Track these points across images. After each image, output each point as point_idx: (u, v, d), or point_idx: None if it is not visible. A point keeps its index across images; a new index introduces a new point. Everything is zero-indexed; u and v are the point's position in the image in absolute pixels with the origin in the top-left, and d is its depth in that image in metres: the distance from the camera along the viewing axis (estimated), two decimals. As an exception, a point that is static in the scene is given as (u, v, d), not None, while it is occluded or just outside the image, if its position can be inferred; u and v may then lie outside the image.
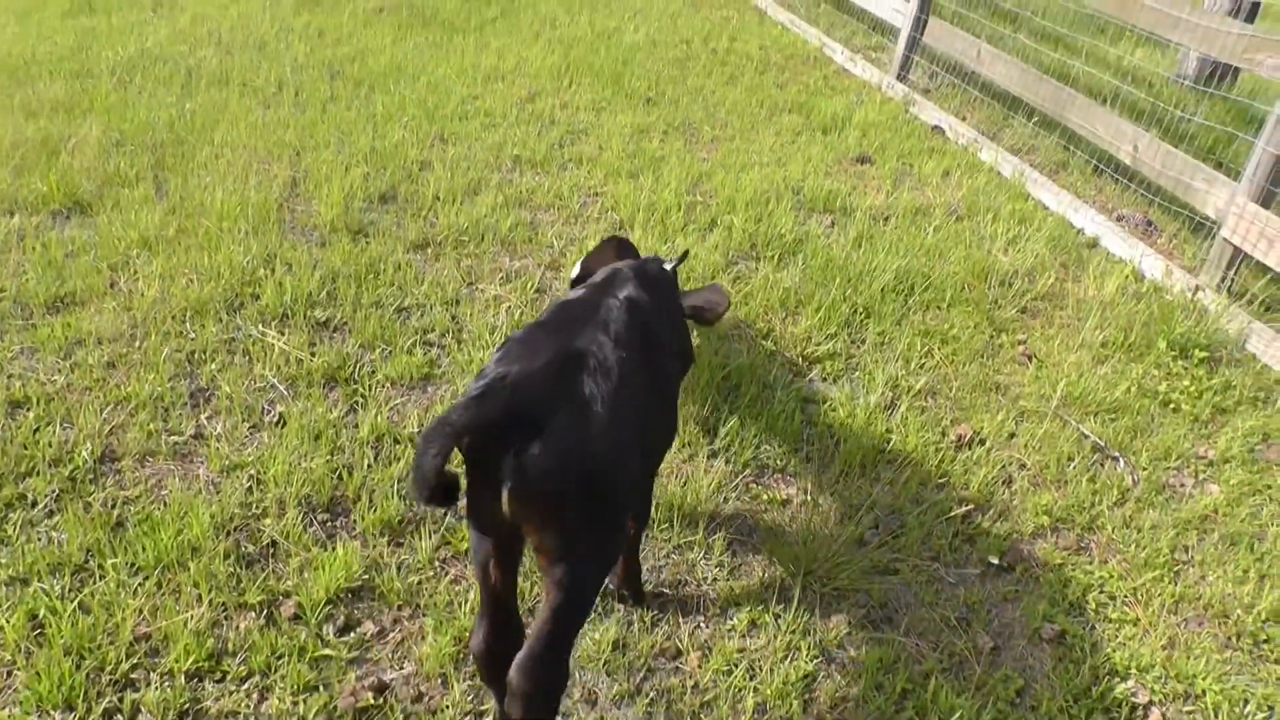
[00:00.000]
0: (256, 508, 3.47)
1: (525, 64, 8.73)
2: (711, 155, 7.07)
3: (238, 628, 3.04)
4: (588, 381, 2.31)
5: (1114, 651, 3.34)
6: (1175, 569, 3.74)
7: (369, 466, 3.70)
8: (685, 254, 3.90)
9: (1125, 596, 3.59)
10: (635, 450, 2.47)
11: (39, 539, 3.26)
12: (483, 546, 2.37)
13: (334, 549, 3.32)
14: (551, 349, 2.37)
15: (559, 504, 2.22)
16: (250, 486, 3.56)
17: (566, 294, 2.98)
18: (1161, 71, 9.93)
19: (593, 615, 3.20)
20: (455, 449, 2.11)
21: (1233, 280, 5.72)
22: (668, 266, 3.43)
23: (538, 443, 2.16)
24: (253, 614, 3.09)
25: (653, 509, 3.57)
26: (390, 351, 4.40)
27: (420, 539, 3.39)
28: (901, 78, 9.22)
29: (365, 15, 10.05)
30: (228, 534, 3.35)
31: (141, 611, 3.04)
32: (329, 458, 3.70)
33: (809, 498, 3.82)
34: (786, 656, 3.16)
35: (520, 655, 2.31)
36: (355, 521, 3.47)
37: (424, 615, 3.16)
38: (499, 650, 2.43)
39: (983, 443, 4.28)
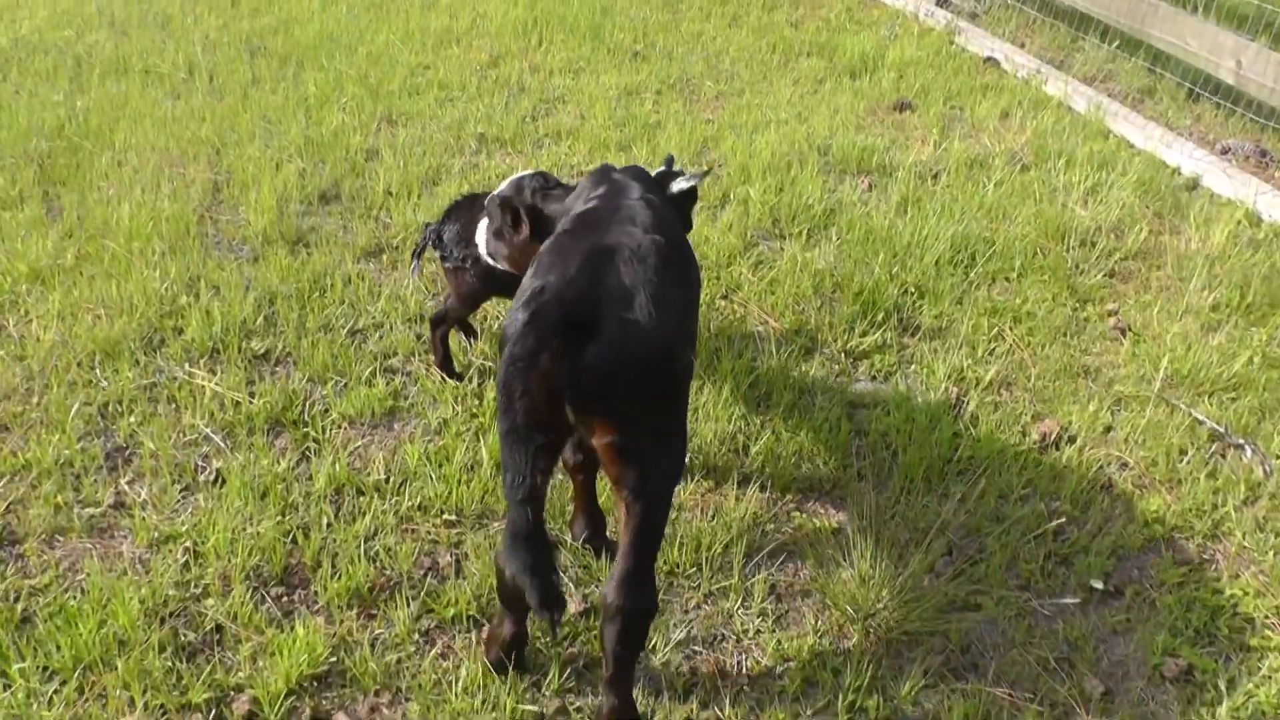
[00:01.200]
0: (195, 586, 3.48)
1: (484, 21, 8.77)
2: (717, 115, 7.08)
3: (183, 734, 3.05)
4: (625, 271, 2.73)
5: (1256, 688, 3.33)
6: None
7: (328, 525, 3.71)
8: (708, 171, 4.32)
9: (1266, 618, 3.57)
10: (681, 336, 2.91)
11: (-65, 644, 3.28)
12: (528, 463, 2.70)
13: (293, 628, 3.33)
14: (583, 250, 2.81)
15: (623, 397, 2.66)
16: (186, 561, 3.57)
17: (579, 207, 3.35)
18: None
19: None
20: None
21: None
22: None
23: (592, 344, 2.60)
24: (199, 716, 3.10)
25: (672, 531, 3.58)
26: (345, 384, 4.42)
27: (397, 607, 3.40)
28: (942, 2, 9.22)
29: (288, -23, 10.14)
30: (162, 621, 3.36)
31: (65, 723, 3.05)
32: (280, 519, 3.71)
33: (865, 524, 3.82)
34: (851, 720, 3.17)
35: (616, 572, 2.77)
36: (316, 593, 3.48)
37: (407, 700, 3.17)
38: (543, 564, 2.77)
39: (1073, 440, 4.28)
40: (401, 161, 6.22)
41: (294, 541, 3.65)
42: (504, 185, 4.00)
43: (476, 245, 4.12)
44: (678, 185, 3.83)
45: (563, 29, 8.57)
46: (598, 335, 2.61)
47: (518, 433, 2.59)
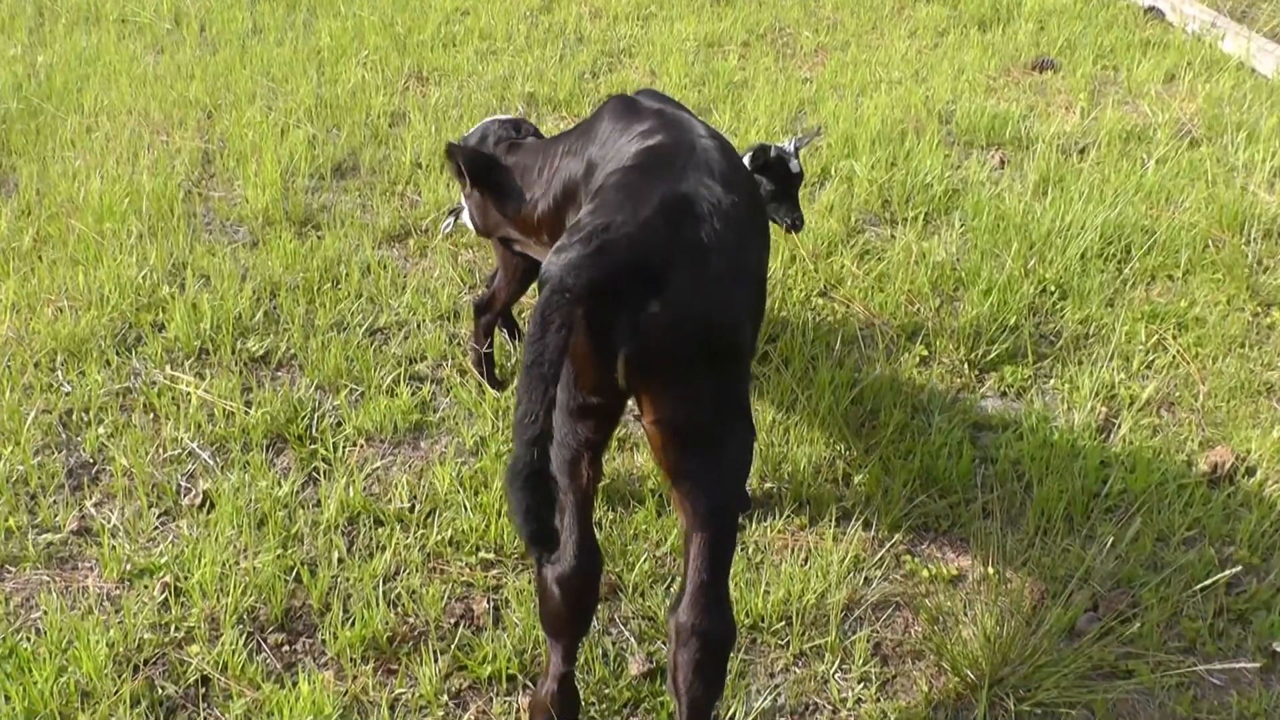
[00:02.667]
0: (176, 630, 3.53)
1: (534, -42, 8.88)
2: (817, 73, 7.10)
3: (162, 806, 3.10)
4: (704, 227, 2.81)
5: None
6: None
7: (340, 561, 3.76)
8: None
9: None
10: (749, 309, 3.00)
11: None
12: (574, 437, 2.80)
13: (295, 684, 3.37)
14: (659, 193, 2.86)
15: (686, 364, 2.73)
16: (165, 600, 3.62)
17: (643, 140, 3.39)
18: None
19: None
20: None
21: None
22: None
23: (658, 299, 2.66)
24: (182, 785, 3.15)
25: (755, 576, 3.60)
26: (363, 393, 4.48)
27: (422, 662, 3.44)
28: (1095, -62, 9.19)
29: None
30: (135, 670, 3.40)
31: (22, 789, 3.11)
32: (280, 552, 3.76)
33: (991, 571, 3.81)
34: (972, 809, 3.16)
35: (687, 589, 2.82)
36: (324, 642, 3.52)
37: (430, 774, 3.20)
38: (588, 574, 2.89)
39: (1250, 473, 4.24)
40: (434, 127, 6.30)
41: (297, 579, 3.69)
42: (472, 131, 4.12)
43: None
44: (793, 165, 4.19)
45: (629, -34, 8.66)
46: (667, 290, 2.69)
47: (542, 367, 2.58)
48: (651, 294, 2.67)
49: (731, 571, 3.45)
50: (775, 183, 4.37)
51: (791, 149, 4.45)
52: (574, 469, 2.89)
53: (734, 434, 2.92)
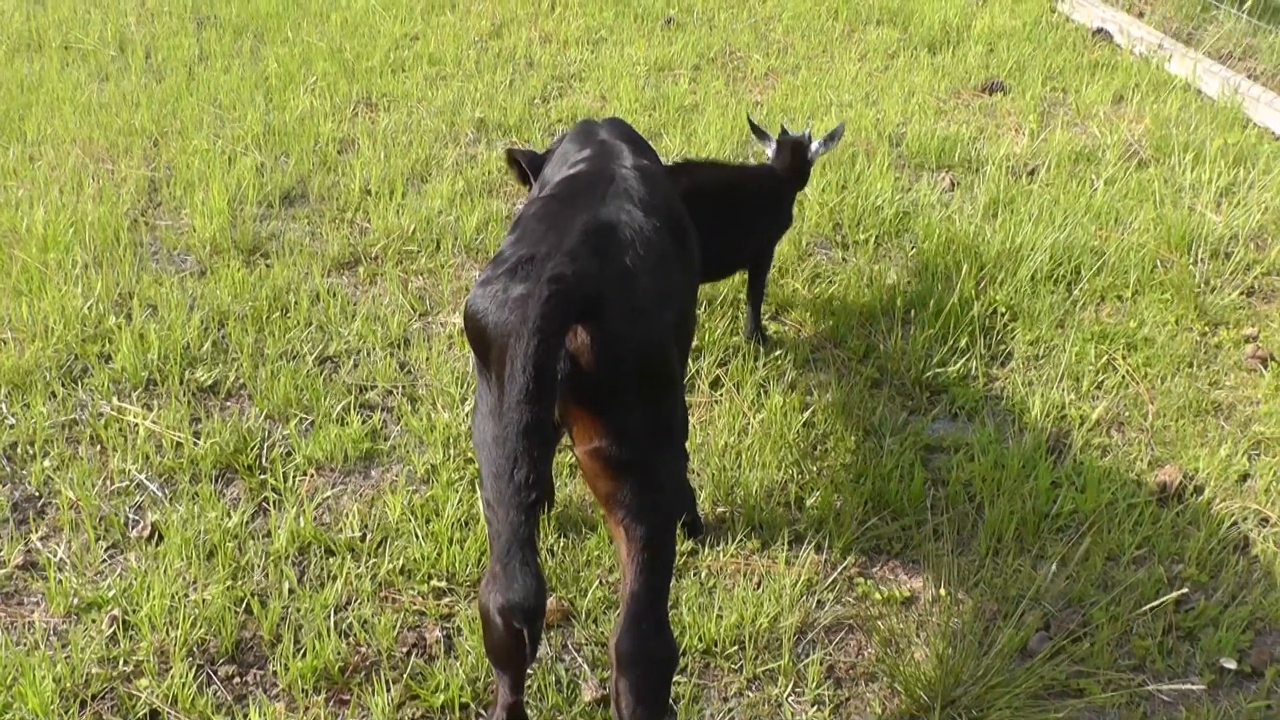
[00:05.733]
0: (125, 664, 3.53)
1: (485, -17, 8.93)
2: (767, 96, 7.16)
3: (111, 841, 3.10)
4: (628, 255, 2.90)
5: None
6: None
7: (291, 592, 3.77)
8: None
9: None
10: (677, 335, 3.07)
11: None
12: (531, 480, 2.69)
13: (246, 716, 3.37)
14: (580, 224, 2.93)
15: (618, 393, 2.78)
16: (114, 633, 3.61)
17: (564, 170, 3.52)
18: None
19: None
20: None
21: None
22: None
23: (588, 328, 2.71)
24: (132, 820, 3.15)
25: (708, 601, 3.63)
26: (313, 422, 4.49)
27: (374, 692, 3.44)
28: (1043, -40, 9.32)
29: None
30: (83, 705, 3.40)
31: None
32: (230, 584, 3.77)
33: (943, 592, 3.85)
34: (926, 830, 3.19)
35: (624, 616, 2.85)
36: (275, 674, 3.52)
37: (383, 805, 3.21)
38: (533, 605, 2.76)
39: (1199, 491, 4.30)
40: (383, 153, 6.33)
41: (248, 611, 3.70)
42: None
43: None
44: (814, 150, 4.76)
45: (582, -11, 8.72)
46: (597, 319, 2.72)
47: (545, 425, 2.59)
48: (582, 323, 2.71)
49: (681, 596, 3.56)
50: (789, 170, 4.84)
51: (816, 149, 4.92)
52: (520, 494, 2.85)
53: (666, 461, 2.96)
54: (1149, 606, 3.80)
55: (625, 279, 2.86)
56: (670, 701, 3.02)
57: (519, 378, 2.54)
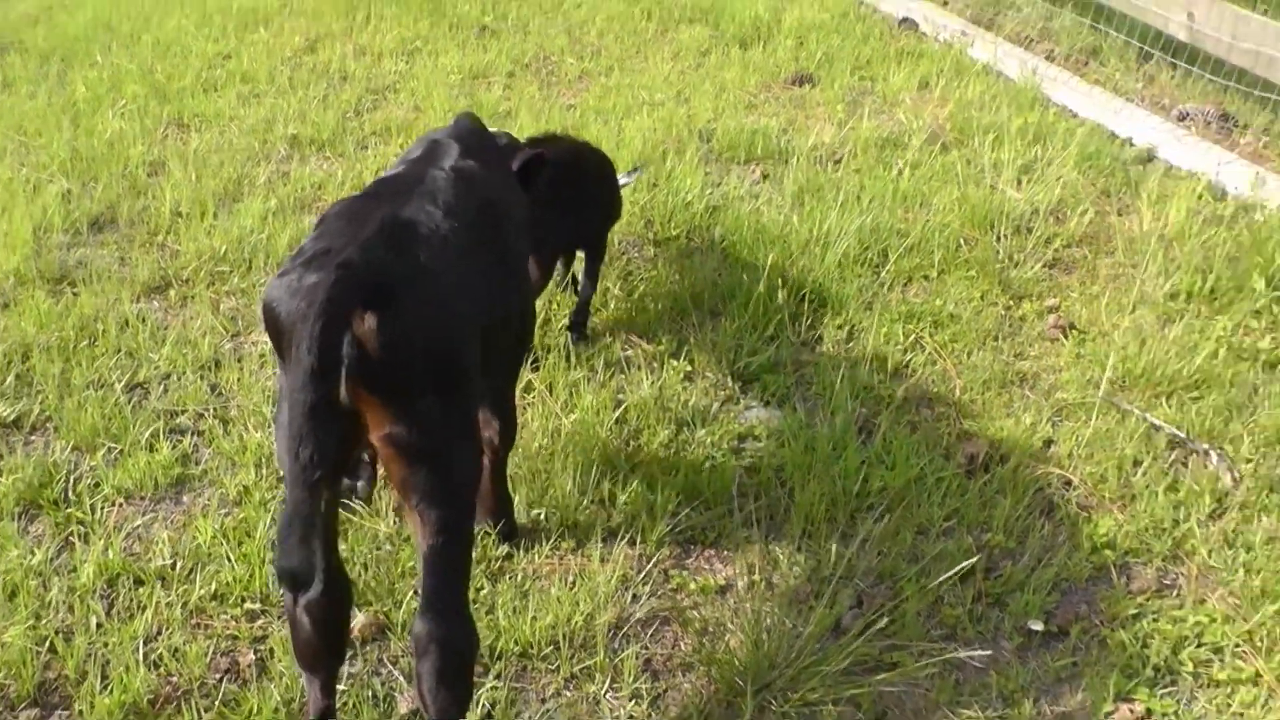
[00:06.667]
0: (-75, 714, 3.42)
1: (298, -3, 8.83)
2: (580, 99, 7.16)
3: None
4: (422, 251, 2.98)
5: (1226, 731, 3.42)
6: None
7: (98, 626, 3.66)
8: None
9: (1236, 646, 3.66)
10: (478, 334, 3.12)
11: None
12: (314, 459, 2.75)
13: (52, 757, 3.29)
14: (377, 219, 3.00)
15: (406, 381, 2.84)
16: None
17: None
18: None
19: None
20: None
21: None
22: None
23: (377, 315, 2.75)
24: None
25: (523, 604, 3.61)
26: (120, 451, 4.37)
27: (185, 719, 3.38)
28: (848, -47, 9.43)
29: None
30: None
31: None
32: (33, 623, 3.64)
33: (756, 578, 3.86)
34: (745, 814, 3.19)
35: (423, 600, 2.92)
36: (81, 713, 3.41)
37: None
38: (336, 598, 3.02)
39: (1004, 460, 4.36)
40: (194, 174, 6.20)
41: (51, 650, 3.58)
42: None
43: None
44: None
45: (396, 2, 8.62)
46: (385, 308, 2.78)
47: (331, 405, 2.68)
48: (369, 311, 2.75)
49: (497, 601, 3.58)
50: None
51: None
52: (312, 491, 2.93)
53: (461, 450, 3.03)
54: (957, 576, 3.83)
55: (418, 272, 2.92)
56: (471, 688, 3.02)
57: (304, 359, 2.64)
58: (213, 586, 3.79)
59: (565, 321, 5.05)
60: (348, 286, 2.72)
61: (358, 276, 2.77)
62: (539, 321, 4.93)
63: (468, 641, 2.97)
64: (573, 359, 4.77)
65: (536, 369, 4.73)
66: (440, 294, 2.95)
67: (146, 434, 4.44)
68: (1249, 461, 4.39)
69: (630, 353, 4.89)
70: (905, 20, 8.39)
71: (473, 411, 3.17)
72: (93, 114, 6.93)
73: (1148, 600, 3.83)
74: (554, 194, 4.60)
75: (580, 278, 5.13)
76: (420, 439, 2.88)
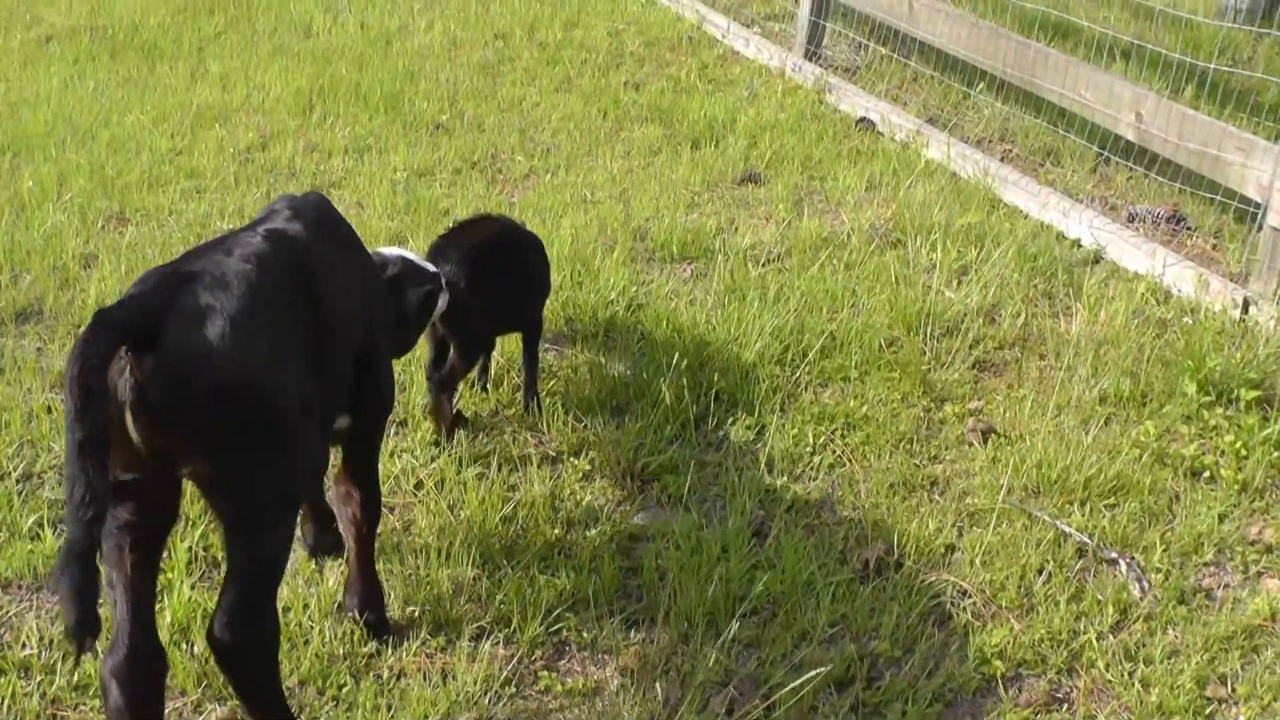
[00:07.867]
0: None
1: (260, 94, 8.91)
2: (522, 197, 7.20)
3: None
4: (203, 294, 3.02)
5: None
6: (1208, 711, 3.80)
7: (-46, 720, 3.64)
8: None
9: (1123, 765, 3.63)
10: (296, 369, 3.25)
11: None
12: (113, 520, 3.01)
13: None
14: (160, 273, 3.14)
15: (193, 413, 2.95)
16: None
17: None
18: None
19: None
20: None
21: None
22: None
23: (151, 358, 2.86)
24: None
25: (384, 702, 3.57)
26: (2, 542, 4.36)
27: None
28: (812, 55, 9.52)
29: (26, 49, 10.22)
30: None
31: None
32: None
33: (627, 681, 3.82)
34: None
35: (216, 613, 3.10)
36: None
37: None
38: (147, 666, 3.14)
39: (899, 566, 4.32)
40: (124, 267, 6.23)
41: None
42: None
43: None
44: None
45: (354, 99, 8.74)
46: (162, 351, 2.88)
47: (96, 442, 2.73)
48: (141, 353, 2.86)
49: (358, 699, 3.66)
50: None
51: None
52: (119, 555, 3.08)
53: (271, 477, 3.19)
54: (834, 685, 3.78)
55: (195, 315, 2.98)
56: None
57: (68, 402, 2.71)
58: (75, 677, 3.77)
59: (471, 418, 5.05)
60: (102, 330, 2.80)
61: (113, 321, 2.85)
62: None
63: (256, 633, 3.15)
64: (466, 458, 4.77)
65: (433, 462, 4.73)
66: (223, 330, 2.99)
67: (31, 523, 4.43)
68: (1160, 571, 4.35)
69: (530, 451, 4.88)
70: (863, 120, 8.45)
71: (288, 440, 3.21)
72: (37, 207, 6.98)
73: (1035, 714, 3.80)
74: (488, 275, 4.77)
75: (521, 359, 5.24)
76: (222, 473, 3.07)
